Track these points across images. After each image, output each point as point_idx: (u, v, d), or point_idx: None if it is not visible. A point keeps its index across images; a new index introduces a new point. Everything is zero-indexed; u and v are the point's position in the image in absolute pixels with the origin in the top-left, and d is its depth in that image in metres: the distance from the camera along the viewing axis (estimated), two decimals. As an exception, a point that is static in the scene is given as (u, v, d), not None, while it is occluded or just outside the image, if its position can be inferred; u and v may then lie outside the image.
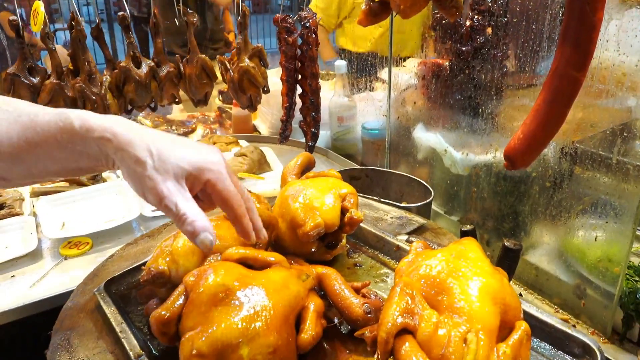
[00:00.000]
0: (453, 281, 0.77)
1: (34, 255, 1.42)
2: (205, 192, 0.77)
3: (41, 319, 1.19)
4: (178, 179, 0.69)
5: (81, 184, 1.74)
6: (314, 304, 0.85)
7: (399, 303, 0.75)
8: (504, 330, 0.76)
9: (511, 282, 1.12)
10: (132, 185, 0.70)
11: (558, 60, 0.79)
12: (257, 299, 0.77)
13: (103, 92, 1.59)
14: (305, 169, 1.26)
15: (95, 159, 0.70)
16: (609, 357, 1.05)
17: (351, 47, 2.89)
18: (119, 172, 0.74)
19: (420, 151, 1.67)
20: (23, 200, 1.66)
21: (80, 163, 0.71)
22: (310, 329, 0.81)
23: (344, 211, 1.05)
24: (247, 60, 1.68)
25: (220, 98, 2.93)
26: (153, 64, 1.68)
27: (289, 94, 1.53)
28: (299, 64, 1.50)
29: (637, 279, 1.12)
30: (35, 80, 1.56)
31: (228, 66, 1.71)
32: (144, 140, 0.69)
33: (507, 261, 1.11)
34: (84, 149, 0.69)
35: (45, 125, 0.68)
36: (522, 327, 0.76)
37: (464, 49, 1.39)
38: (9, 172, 0.71)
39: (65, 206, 1.63)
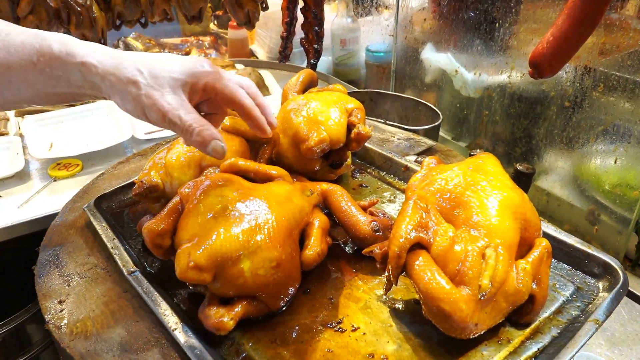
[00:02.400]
0: (471, 194, 0.71)
1: (22, 176, 1.35)
2: (211, 102, 0.72)
3: (32, 240, 1.14)
4: (175, 91, 0.65)
5: (69, 105, 1.65)
6: (318, 220, 0.80)
7: (412, 217, 0.69)
8: (523, 247, 0.72)
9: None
10: (130, 108, 0.65)
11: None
12: (259, 212, 0.71)
13: (89, 3, 1.46)
14: (308, 86, 1.17)
15: (77, 86, 0.65)
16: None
17: None
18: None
19: (428, 74, 1.58)
20: (8, 120, 1.58)
21: (58, 89, 0.66)
22: (316, 245, 0.75)
23: (350, 127, 0.98)
24: (244, -29, 1.55)
25: (216, 23, 2.78)
26: (142, -26, 1.55)
27: (289, 7, 1.42)
28: (301, -26, 1.38)
29: (655, 203, 1.07)
30: (14, -12, 1.43)
31: (224, -22, 1.57)
32: (130, 61, 0.64)
33: (519, 185, 1.05)
34: (64, 73, 0.64)
35: (19, 45, 0.63)
36: (543, 244, 0.71)
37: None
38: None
39: (53, 126, 1.55)
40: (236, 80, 0.72)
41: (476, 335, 0.66)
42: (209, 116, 0.71)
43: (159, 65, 0.65)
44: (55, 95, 0.67)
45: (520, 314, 0.70)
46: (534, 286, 0.69)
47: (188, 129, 0.64)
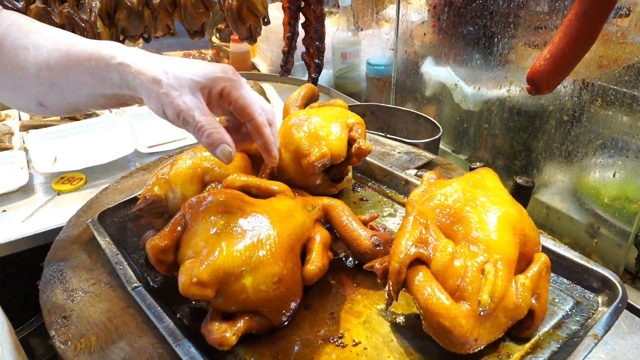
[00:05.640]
0: (470, 210, 0.72)
1: (26, 190, 1.36)
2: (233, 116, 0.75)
3: (36, 254, 1.15)
4: (194, 92, 0.68)
5: (73, 118, 1.67)
6: (320, 235, 0.80)
7: (412, 232, 0.70)
8: (522, 262, 0.72)
9: (522, 220, 1.08)
10: (153, 106, 0.69)
11: (595, -33, 0.71)
12: (261, 227, 0.72)
13: (93, 18, 1.48)
14: (309, 100, 1.19)
15: (117, 86, 0.70)
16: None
17: None
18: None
19: (428, 87, 1.59)
20: (12, 134, 1.59)
21: (104, 90, 0.72)
22: (317, 260, 0.76)
23: (351, 141, 0.99)
24: (246, -13, 1.57)
25: (218, 36, 2.80)
26: (146, -10, 1.57)
27: (291, 22, 1.44)
28: (302, -10, 1.39)
29: (654, 216, 1.07)
30: (20, 4, 1.45)
31: (226, -7, 1.59)
32: (158, 62, 0.69)
33: (519, 199, 1.06)
34: (107, 74, 0.70)
35: (78, 52, 0.71)
36: (542, 259, 0.72)
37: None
38: (47, 96, 0.76)
39: (57, 140, 1.56)
40: (257, 98, 0.74)
41: (476, 350, 0.66)
42: (237, 134, 0.74)
43: (183, 68, 0.69)
44: (103, 97, 0.74)
45: (520, 328, 0.70)
46: (533, 301, 0.69)
47: (199, 130, 0.67)
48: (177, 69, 0.69)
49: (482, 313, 0.64)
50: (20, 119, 1.71)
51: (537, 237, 0.76)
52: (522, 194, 1.15)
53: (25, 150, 1.52)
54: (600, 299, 0.77)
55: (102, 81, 0.71)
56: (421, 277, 0.67)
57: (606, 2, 0.72)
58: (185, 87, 0.68)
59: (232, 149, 0.68)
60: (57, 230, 1.14)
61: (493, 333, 0.66)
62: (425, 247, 0.69)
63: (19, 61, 0.73)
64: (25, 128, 1.61)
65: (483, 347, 0.67)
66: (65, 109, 0.78)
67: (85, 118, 1.66)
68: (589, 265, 0.79)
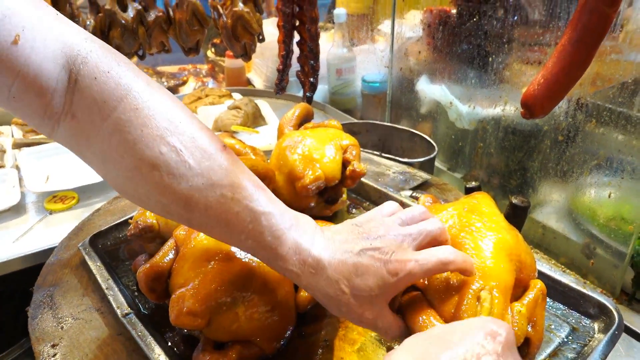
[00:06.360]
0: (466, 236, 0.71)
1: (17, 209, 1.35)
2: None
3: (27, 275, 1.13)
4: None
5: (67, 136, 1.66)
6: (314, 261, 0.79)
7: None
8: (518, 289, 0.71)
9: (518, 240, 1.08)
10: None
11: (588, -6, 0.71)
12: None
13: (87, 37, 1.48)
14: (304, 120, 1.18)
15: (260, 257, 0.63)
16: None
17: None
18: None
19: (423, 105, 1.59)
20: (4, 151, 1.58)
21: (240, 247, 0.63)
22: (310, 287, 0.75)
23: (345, 164, 0.99)
24: (241, 4, 1.57)
25: (213, 50, 2.81)
26: (140, 7, 1.57)
27: (285, 41, 1.44)
28: (297, 8, 1.39)
29: (650, 237, 1.07)
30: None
31: (221, 11, 1.60)
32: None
33: (515, 219, 1.06)
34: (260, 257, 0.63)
35: (233, 217, 0.58)
36: (538, 285, 0.71)
37: (473, -7, 1.29)
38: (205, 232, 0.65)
39: (50, 159, 1.55)
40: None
41: None
42: None
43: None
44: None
45: None
46: (529, 329, 0.68)
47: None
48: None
49: None
50: (12, 136, 1.70)
51: (533, 263, 0.75)
52: (518, 214, 1.14)
53: (17, 168, 1.51)
54: (596, 326, 0.76)
55: (246, 248, 0.61)
56: (416, 304, 0.66)
57: (599, 28, 0.72)
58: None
59: None
60: (48, 251, 1.13)
61: None
62: None
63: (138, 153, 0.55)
64: (18, 146, 1.60)
65: None
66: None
67: (78, 135, 1.65)
68: (584, 291, 0.79)
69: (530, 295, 0.70)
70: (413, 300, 0.67)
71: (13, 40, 0.49)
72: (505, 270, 0.68)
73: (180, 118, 0.57)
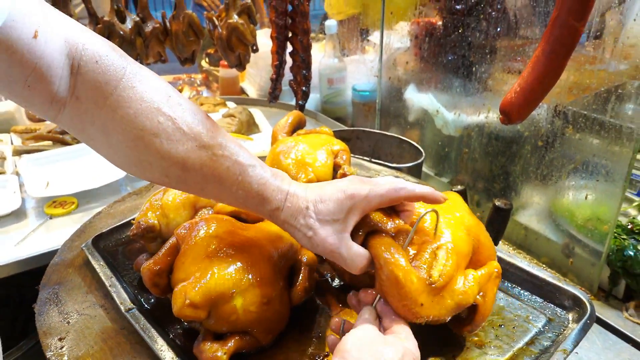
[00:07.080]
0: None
1: (18, 215, 1.39)
2: None
3: (28, 278, 1.17)
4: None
5: (65, 143, 1.70)
6: (307, 257, 0.84)
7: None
8: (476, 266, 0.75)
9: (500, 242, 1.13)
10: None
11: (559, 9, 0.77)
12: (251, 250, 0.76)
13: (86, 47, 1.53)
14: (296, 127, 1.24)
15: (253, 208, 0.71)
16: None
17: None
18: None
19: (411, 113, 1.65)
20: (5, 158, 1.62)
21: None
22: (304, 282, 0.81)
23: (336, 167, 1.04)
24: (235, 16, 1.63)
25: (207, 60, 2.86)
26: (138, 19, 1.62)
27: (278, 51, 1.49)
28: (290, 20, 1.46)
29: (624, 237, 1.13)
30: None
31: (216, 23, 1.66)
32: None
33: (498, 221, 1.11)
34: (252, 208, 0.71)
35: (224, 172, 0.68)
36: (494, 264, 0.76)
37: (458, 7, 1.36)
38: (198, 191, 0.72)
39: (49, 165, 1.59)
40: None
41: (422, 322, 0.68)
42: None
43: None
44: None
45: (463, 324, 0.74)
46: (479, 297, 0.72)
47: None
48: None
49: (432, 286, 0.67)
50: (12, 144, 1.74)
51: (492, 249, 0.80)
52: (500, 216, 1.20)
53: (18, 174, 1.55)
54: (571, 316, 0.82)
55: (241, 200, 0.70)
56: (380, 237, 0.69)
57: (569, 41, 0.78)
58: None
59: None
60: (48, 254, 1.17)
61: (438, 310, 0.68)
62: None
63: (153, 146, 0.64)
64: (18, 153, 1.64)
65: (425, 322, 0.68)
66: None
67: (77, 143, 1.70)
68: (560, 285, 0.84)
69: (483, 270, 0.74)
70: (377, 235, 0.70)
71: (33, 35, 0.55)
72: (462, 239, 0.74)
73: (169, 92, 0.66)
